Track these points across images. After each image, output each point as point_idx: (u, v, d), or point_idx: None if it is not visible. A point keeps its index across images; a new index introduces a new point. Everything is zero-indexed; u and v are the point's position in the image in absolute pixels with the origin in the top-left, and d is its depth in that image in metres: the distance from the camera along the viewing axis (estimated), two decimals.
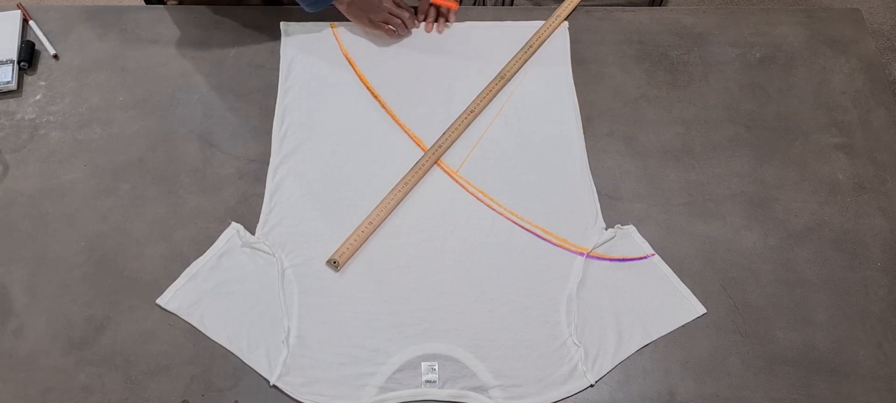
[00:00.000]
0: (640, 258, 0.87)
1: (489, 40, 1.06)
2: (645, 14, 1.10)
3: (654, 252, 0.87)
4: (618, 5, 1.15)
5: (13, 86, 0.98)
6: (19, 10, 1.06)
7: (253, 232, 0.88)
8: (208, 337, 0.81)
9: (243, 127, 0.97)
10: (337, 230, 0.88)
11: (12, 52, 1.00)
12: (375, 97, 0.99)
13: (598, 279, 0.85)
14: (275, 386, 0.78)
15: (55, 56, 1.03)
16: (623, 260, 0.87)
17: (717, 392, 0.79)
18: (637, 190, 0.93)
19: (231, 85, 1.01)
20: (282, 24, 1.06)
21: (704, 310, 0.83)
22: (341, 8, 1.01)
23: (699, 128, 0.98)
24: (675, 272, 0.86)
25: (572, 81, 1.01)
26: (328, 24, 1.06)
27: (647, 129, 0.98)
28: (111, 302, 0.83)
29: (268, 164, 0.93)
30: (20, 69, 1.00)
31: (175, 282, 0.84)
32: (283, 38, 1.05)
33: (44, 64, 1.02)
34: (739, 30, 1.08)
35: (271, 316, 0.82)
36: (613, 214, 0.90)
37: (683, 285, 0.85)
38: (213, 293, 0.84)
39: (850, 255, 0.88)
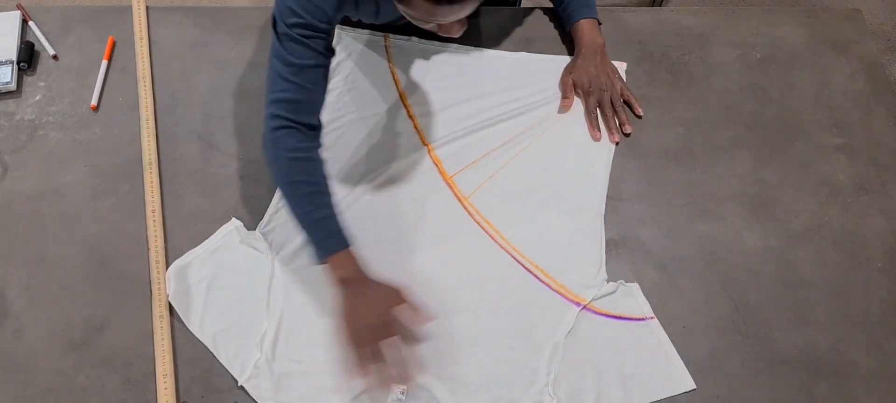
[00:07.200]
0: (638, 319, 0.83)
1: (535, 73, 1.02)
2: (646, 14, 1.10)
3: (653, 315, 0.83)
4: (619, 5, 1.15)
5: (12, 86, 0.98)
6: (19, 11, 1.05)
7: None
8: None
9: (243, 127, 0.97)
10: None
11: (12, 52, 1.00)
12: (411, 117, 0.97)
13: (589, 332, 0.81)
14: (242, 387, 0.78)
15: (55, 56, 1.02)
16: (619, 318, 0.83)
17: (717, 392, 0.79)
18: (638, 190, 0.93)
19: (231, 85, 1.01)
20: (338, 27, 1.03)
21: (694, 386, 0.78)
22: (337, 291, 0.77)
23: (700, 128, 0.98)
24: (674, 272, 0.86)
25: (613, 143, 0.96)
26: (382, 35, 1.04)
27: (648, 130, 0.98)
28: (110, 304, 0.83)
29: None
30: (19, 69, 1.00)
31: (168, 271, 0.84)
32: (335, 41, 1.02)
33: (43, 64, 1.02)
34: (740, 30, 1.08)
35: (252, 317, 0.82)
36: (614, 215, 0.90)
37: (677, 355, 0.80)
38: (199, 284, 0.83)
39: (851, 256, 0.88)
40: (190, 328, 0.81)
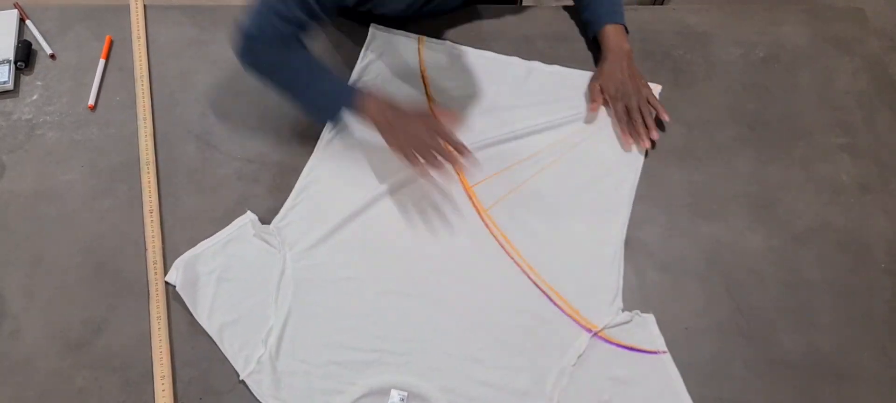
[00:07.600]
0: (650, 352, 0.80)
1: (567, 88, 1.00)
2: (648, 12, 1.09)
3: (665, 349, 0.80)
4: None
5: (10, 85, 0.98)
6: (16, 10, 1.05)
7: None
8: (206, 340, 0.80)
9: (242, 127, 0.96)
10: (350, 245, 0.86)
11: (9, 51, 1.00)
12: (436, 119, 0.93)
13: (598, 361, 0.79)
14: (242, 382, 0.77)
15: (52, 56, 1.02)
16: (631, 349, 0.80)
17: (719, 395, 0.78)
18: (640, 191, 0.92)
19: (230, 85, 1.00)
20: (372, 26, 1.04)
21: None
22: (374, 128, 0.85)
23: (702, 128, 0.97)
24: (675, 273, 0.85)
25: (642, 153, 0.95)
26: (416, 37, 1.03)
27: None
28: (108, 305, 0.83)
29: (266, 165, 0.93)
30: (17, 69, 1.00)
31: (177, 260, 0.84)
32: (368, 40, 1.02)
33: (41, 63, 1.02)
34: (743, 29, 1.07)
35: (261, 312, 0.81)
36: None
37: (687, 393, 0.77)
38: (210, 275, 0.83)
39: (854, 257, 0.87)
40: (197, 318, 0.80)
